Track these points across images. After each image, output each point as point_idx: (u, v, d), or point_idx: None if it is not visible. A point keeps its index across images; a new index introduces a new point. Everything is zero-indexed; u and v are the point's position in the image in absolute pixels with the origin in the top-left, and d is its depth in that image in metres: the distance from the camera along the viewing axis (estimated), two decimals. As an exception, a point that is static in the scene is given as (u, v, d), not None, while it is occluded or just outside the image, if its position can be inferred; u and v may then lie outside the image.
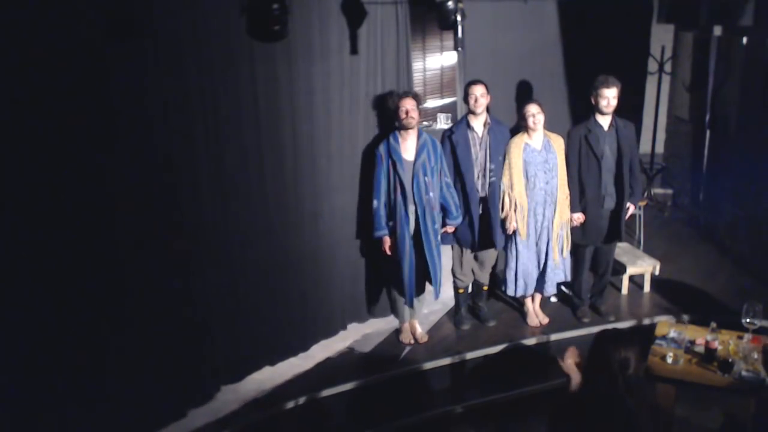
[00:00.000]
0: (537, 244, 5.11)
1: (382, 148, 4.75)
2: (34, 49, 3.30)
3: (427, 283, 5.09)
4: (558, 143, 5.05)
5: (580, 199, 5.13)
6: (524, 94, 5.85)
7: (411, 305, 5.01)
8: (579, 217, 5.15)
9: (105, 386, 3.88)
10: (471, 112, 4.92)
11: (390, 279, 5.07)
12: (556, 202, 5.03)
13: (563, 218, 5.09)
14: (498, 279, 5.49)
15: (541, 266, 5.17)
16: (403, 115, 4.68)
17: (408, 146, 4.74)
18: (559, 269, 5.19)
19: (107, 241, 3.77)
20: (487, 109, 4.98)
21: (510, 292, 5.26)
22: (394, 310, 5.22)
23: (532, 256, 5.14)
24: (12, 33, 3.23)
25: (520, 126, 5.06)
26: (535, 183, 4.98)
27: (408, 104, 4.67)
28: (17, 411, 3.53)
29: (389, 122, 5.15)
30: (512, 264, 5.18)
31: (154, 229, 3.97)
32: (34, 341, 3.56)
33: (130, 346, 3.95)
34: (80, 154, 3.56)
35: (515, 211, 4.99)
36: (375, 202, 4.78)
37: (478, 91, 4.86)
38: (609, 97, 4.89)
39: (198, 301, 4.28)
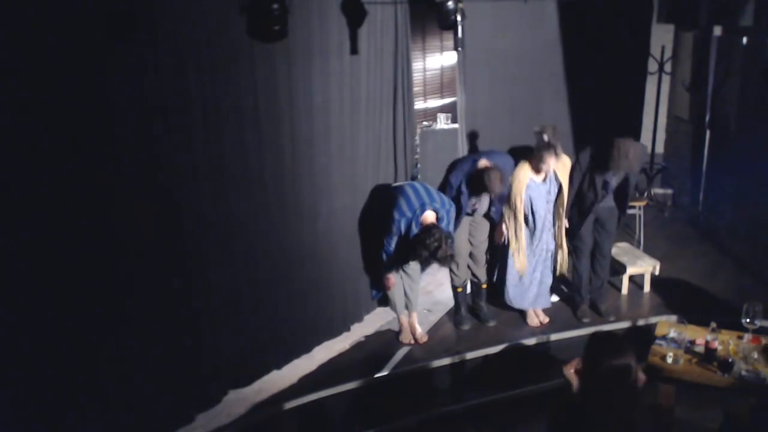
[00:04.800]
0: (534, 265, 5.22)
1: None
2: (34, 48, 3.30)
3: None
4: (563, 170, 5.01)
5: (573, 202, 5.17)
6: (538, 118, 5.79)
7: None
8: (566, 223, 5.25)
9: (107, 389, 3.86)
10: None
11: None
12: (554, 226, 5.15)
13: (559, 240, 5.20)
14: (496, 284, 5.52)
15: (536, 283, 5.28)
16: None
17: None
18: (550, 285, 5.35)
19: (108, 243, 3.76)
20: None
21: (507, 300, 5.37)
22: (390, 303, 5.18)
23: (527, 277, 5.23)
24: (12, 33, 3.23)
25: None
26: (536, 216, 5.06)
27: None
28: (19, 413, 3.53)
29: (390, 123, 5.17)
30: (509, 276, 5.28)
31: (155, 229, 3.96)
32: (36, 343, 3.55)
33: (131, 348, 3.95)
34: (80, 153, 3.56)
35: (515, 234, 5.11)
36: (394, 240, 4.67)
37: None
38: None
39: (200, 303, 4.27)
